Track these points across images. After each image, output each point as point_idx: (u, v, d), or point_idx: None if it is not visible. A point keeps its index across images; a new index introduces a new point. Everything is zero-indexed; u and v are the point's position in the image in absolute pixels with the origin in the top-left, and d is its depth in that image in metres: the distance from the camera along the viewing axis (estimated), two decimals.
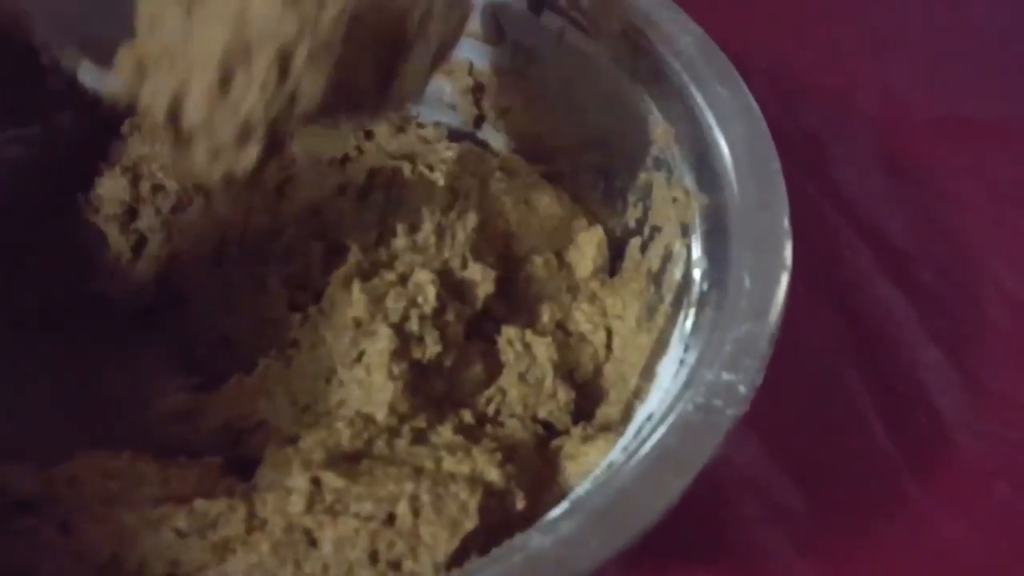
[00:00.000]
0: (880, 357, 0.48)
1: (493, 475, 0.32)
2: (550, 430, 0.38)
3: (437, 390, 0.36)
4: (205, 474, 0.31)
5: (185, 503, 0.30)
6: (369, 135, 0.46)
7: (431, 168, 0.42)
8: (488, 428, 0.37)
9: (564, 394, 0.38)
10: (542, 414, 0.38)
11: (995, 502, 0.44)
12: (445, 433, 0.34)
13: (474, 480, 0.31)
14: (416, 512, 0.30)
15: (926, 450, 0.45)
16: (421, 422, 0.34)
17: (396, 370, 0.35)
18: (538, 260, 0.41)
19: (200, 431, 0.34)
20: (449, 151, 0.44)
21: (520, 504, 0.31)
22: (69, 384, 0.38)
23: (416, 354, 0.36)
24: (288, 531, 0.30)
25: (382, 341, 0.35)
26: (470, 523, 0.30)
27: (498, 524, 0.31)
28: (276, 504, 0.30)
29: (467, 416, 0.36)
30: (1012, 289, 0.51)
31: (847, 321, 0.49)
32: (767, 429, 0.44)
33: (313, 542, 0.30)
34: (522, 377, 0.38)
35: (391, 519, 0.30)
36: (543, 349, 0.38)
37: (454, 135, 0.47)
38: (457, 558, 0.30)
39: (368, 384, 0.34)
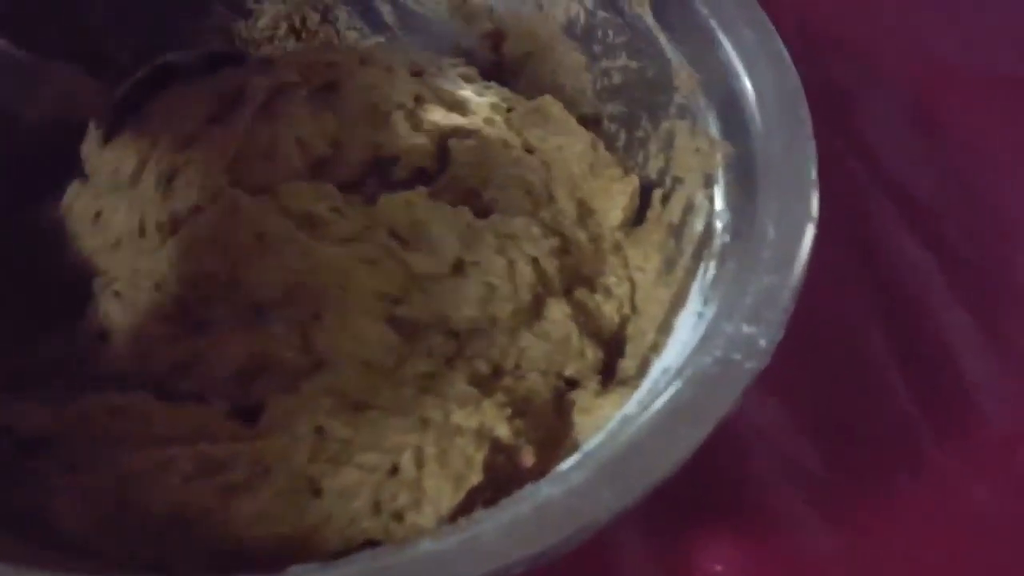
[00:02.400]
0: (905, 317, 0.47)
1: (502, 430, 0.31)
2: (572, 385, 0.37)
3: (431, 330, 0.35)
4: (211, 418, 0.31)
5: (191, 446, 0.29)
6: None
7: None
8: (506, 380, 0.36)
9: (592, 353, 0.37)
10: (568, 372, 0.37)
11: (1020, 465, 0.43)
12: (458, 383, 0.34)
13: (481, 434, 0.31)
14: (420, 464, 0.30)
15: (950, 412, 0.44)
16: (423, 366, 0.33)
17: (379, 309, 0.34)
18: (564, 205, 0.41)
19: (205, 375, 0.34)
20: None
21: (529, 461, 0.31)
22: None
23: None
24: (292, 478, 0.29)
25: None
26: (475, 477, 0.30)
27: (506, 479, 0.30)
28: (281, 451, 0.30)
29: (482, 366, 0.35)
30: None
31: (872, 279, 0.48)
32: (787, 387, 0.43)
33: (317, 491, 0.30)
34: (543, 335, 0.37)
35: (395, 470, 0.30)
36: (560, 308, 0.37)
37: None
38: (462, 511, 0.30)
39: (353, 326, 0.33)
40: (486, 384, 0.34)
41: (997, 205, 0.51)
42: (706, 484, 0.39)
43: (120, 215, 0.37)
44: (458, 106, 0.44)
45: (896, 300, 0.47)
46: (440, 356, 0.35)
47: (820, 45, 0.57)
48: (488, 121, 0.43)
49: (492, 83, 0.46)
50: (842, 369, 0.45)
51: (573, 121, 0.43)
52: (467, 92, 0.45)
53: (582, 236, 0.40)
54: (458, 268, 0.37)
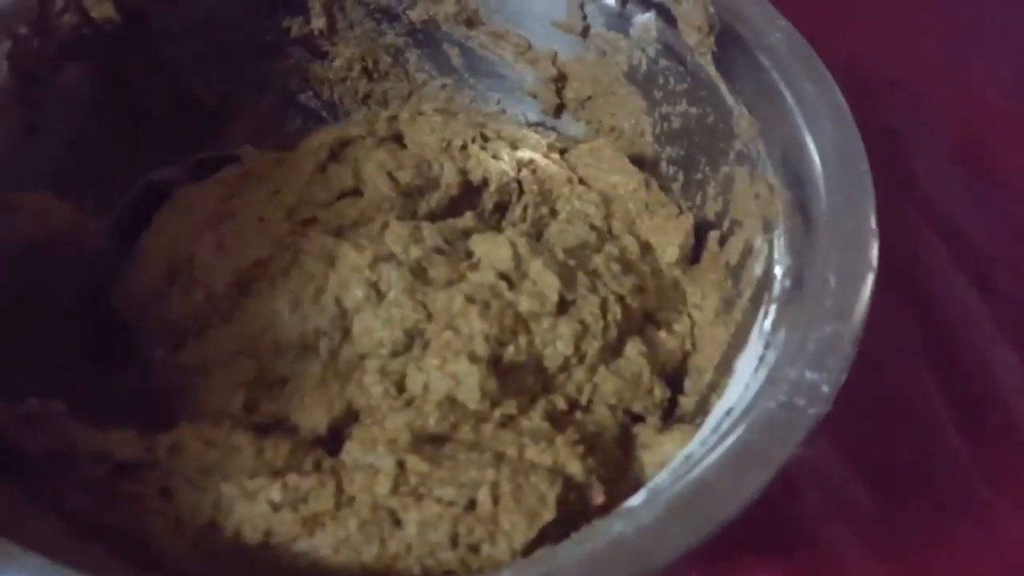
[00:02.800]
0: (954, 357, 0.48)
1: (574, 468, 0.32)
2: (636, 419, 0.38)
3: (524, 370, 0.36)
4: (296, 449, 0.32)
5: (279, 476, 0.31)
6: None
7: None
8: (577, 414, 0.37)
9: (659, 390, 0.38)
10: (637, 408, 0.38)
11: None
12: (535, 418, 0.35)
13: (555, 472, 0.32)
14: (496, 500, 0.31)
15: (999, 451, 0.45)
16: (511, 408, 0.35)
17: (481, 351, 0.35)
18: (625, 243, 0.42)
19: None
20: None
21: (599, 499, 0.32)
22: None
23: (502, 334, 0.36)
24: (374, 510, 0.31)
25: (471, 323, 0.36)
26: (548, 514, 0.31)
27: (575, 514, 0.31)
28: (363, 483, 0.31)
29: (560, 402, 0.36)
30: None
31: (922, 319, 0.49)
32: (839, 426, 0.43)
33: (398, 522, 0.31)
34: (617, 372, 0.38)
35: (472, 505, 0.31)
36: (634, 346, 0.39)
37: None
38: (534, 545, 0.31)
39: (454, 368, 0.35)
40: (559, 419, 0.36)
41: None
42: (760, 519, 0.40)
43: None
44: (519, 143, 0.46)
45: (945, 339, 0.48)
46: (528, 396, 0.36)
47: (868, 86, 0.58)
48: (547, 157, 0.45)
49: (544, 126, 0.48)
50: (892, 407, 0.46)
51: (625, 160, 0.45)
52: (525, 131, 0.47)
53: (647, 272, 0.41)
54: (562, 307, 0.38)
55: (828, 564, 0.42)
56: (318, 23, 0.47)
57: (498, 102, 0.50)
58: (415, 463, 0.32)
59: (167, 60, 0.45)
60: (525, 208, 0.43)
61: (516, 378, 0.36)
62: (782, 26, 0.39)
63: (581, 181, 0.44)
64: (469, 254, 0.39)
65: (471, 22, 0.47)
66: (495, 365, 0.35)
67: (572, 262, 0.39)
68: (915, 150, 0.56)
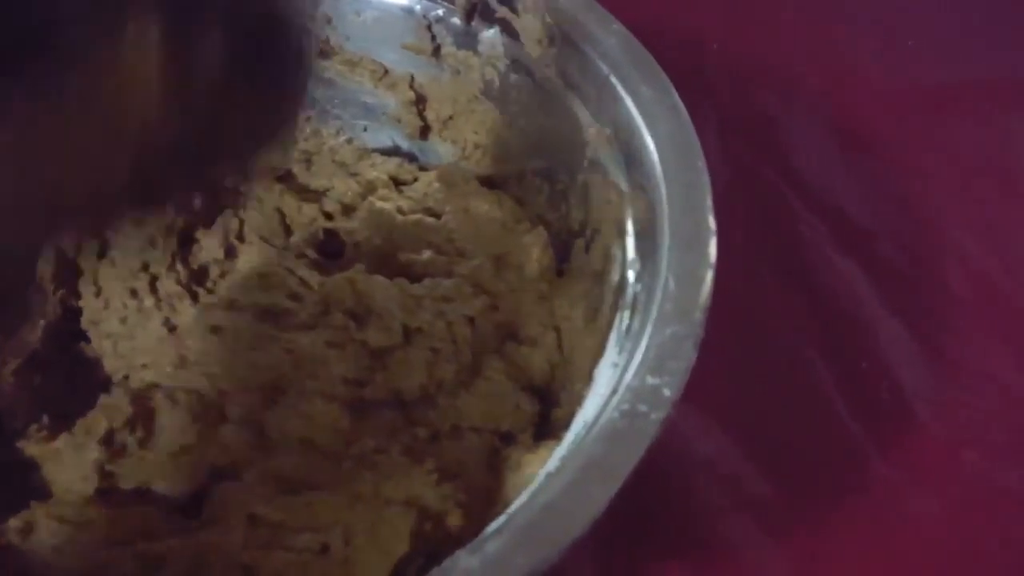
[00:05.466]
0: (841, 334, 0.48)
1: (429, 496, 0.32)
2: (509, 440, 0.38)
3: (383, 406, 0.36)
4: (151, 517, 0.32)
5: (131, 546, 0.31)
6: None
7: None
8: (443, 443, 0.37)
9: (527, 405, 0.38)
10: (505, 427, 0.38)
11: (964, 473, 0.44)
12: (393, 453, 0.35)
13: (409, 503, 0.32)
14: (348, 540, 0.31)
15: (891, 426, 0.45)
16: (368, 446, 0.34)
17: (343, 392, 0.35)
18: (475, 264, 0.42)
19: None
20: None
21: (455, 523, 0.32)
22: None
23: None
24: (227, 568, 0.30)
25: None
26: (402, 547, 0.31)
27: (436, 542, 0.31)
28: (217, 542, 0.31)
29: (421, 433, 0.36)
30: (975, 259, 0.51)
31: (808, 302, 0.49)
32: (731, 415, 0.44)
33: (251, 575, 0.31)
34: (479, 393, 0.38)
35: (325, 549, 0.31)
36: (493, 364, 0.39)
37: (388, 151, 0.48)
38: None
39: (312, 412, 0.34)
40: (420, 450, 0.35)
41: (926, 216, 0.53)
42: (657, 516, 0.41)
43: None
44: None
45: (832, 319, 0.49)
46: (387, 431, 0.36)
47: (742, 71, 0.58)
48: (379, 194, 0.45)
49: (407, 152, 0.48)
50: (783, 391, 0.46)
51: (475, 183, 0.45)
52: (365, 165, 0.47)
53: (503, 289, 0.41)
54: (407, 337, 0.38)
55: (729, 556, 0.41)
56: None
57: (365, 129, 0.49)
58: (268, 512, 0.31)
59: None
60: (356, 245, 0.43)
61: (374, 415, 0.35)
62: (616, 31, 0.39)
63: (427, 212, 0.44)
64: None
65: (324, 53, 0.47)
66: (354, 405, 0.35)
67: (418, 289, 0.38)
68: (791, 133, 0.56)
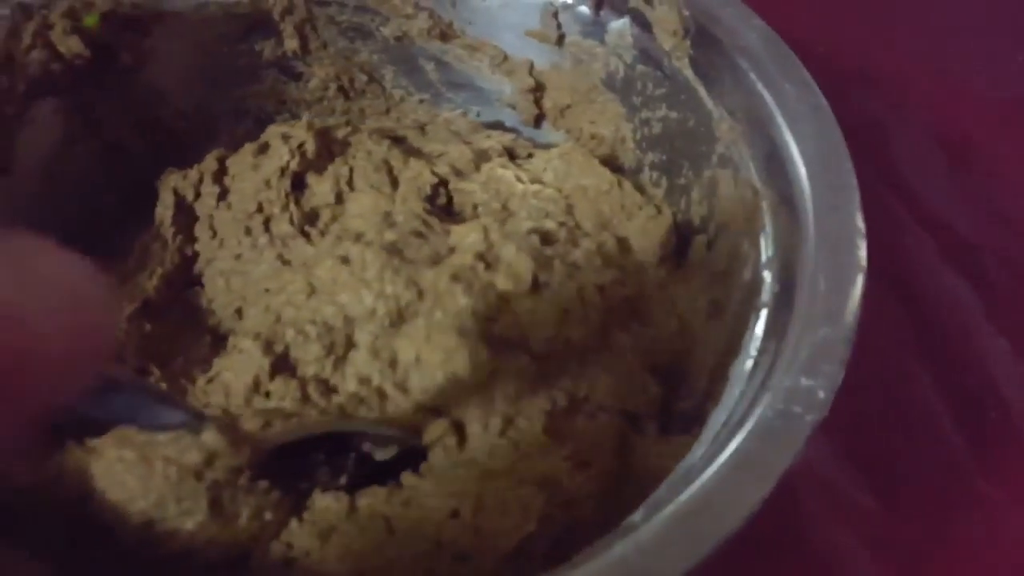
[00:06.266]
0: (947, 350, 0.47)
1: (563, 483, 0.32)
2: (636, 423, 0.38)
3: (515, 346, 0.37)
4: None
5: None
6: None
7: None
8: (579, 421, 0.37)
9: (653, 388, 0.38)
10: (632, 407, 0.38)
11: None
12: (535, 423, 0.35)
13: (543, 485, 0.32)
14: (477, 510, 0.32)
15: (996, 444, 0.45)
16: (514, 386, 0.35)
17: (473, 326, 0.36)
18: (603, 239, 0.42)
19: None
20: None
21: (586, 512, 0.32)
22: None
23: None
24: (372, 518, 0.32)
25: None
26: (530, 526, 0.31)
27: (565, 527, 0.32)
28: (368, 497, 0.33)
29: (561, 398, 0.36)
30: None
31: (913, 314, 0.49)
32: (836, 426, 0.43)
33: (392, 530, 0.32)
34: (608, 367, 0.38)
35: (455, 514, 0.32)
36: (622, 338, 0.39)
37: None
38: (518, 555, 0.31)
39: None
40: (559, 422, 0.36)
41: None
42: (760, 524, 0.40)
43: None
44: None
45: (937, 332, 0.48)
46: (523, 376, 0.36)
47: (848, 78, 0.58)
48: (497, 162, 0.46)
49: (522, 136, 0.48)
50: (888, 404, 0.45)
51: (595, 162, 0.45)
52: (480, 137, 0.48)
53: (628, 267, 0.41)
54: (535, 287, 0.38)
55: (829, 567, 0.41)
56: (291, 44, 0.47)
57: (478, 115, 0.49)
58: (407, 478, 0.33)
59: (139, 92, 0.44)
60: (475, 207, 0.44)
61: (509, 356, 0.36)
62: (757, 26, 0.39)
63: (544, 183, 0.44)
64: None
65: (445, 36, 0.47)
66: (488, 340, 0.35)
67: (548, 251, 0.39)
68: (898, 141, 0.56)
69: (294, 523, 0.32)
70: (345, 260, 0.38)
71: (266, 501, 0.31)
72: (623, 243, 0.42)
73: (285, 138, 0.44)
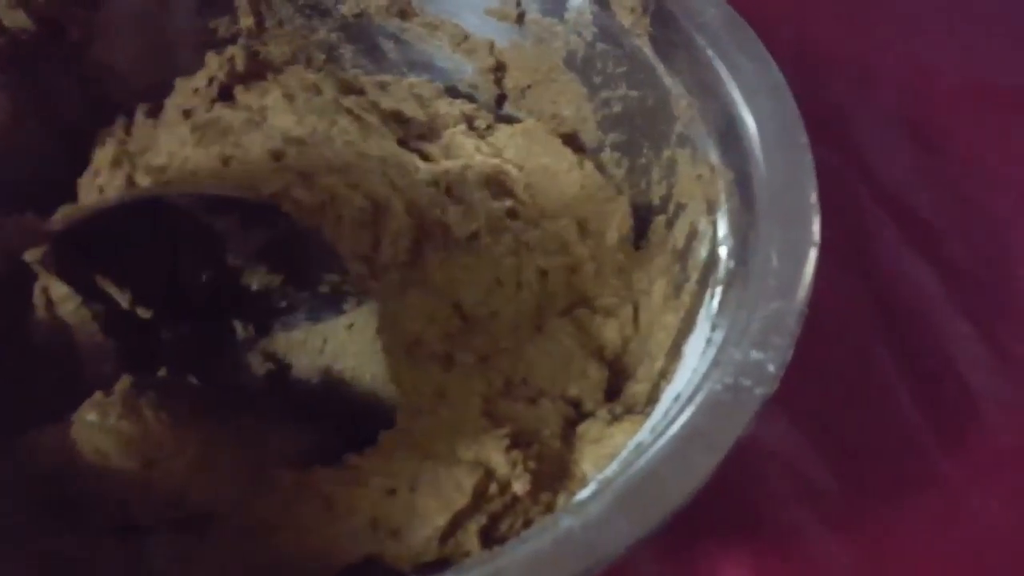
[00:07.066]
0: (908, 332, 0.47)
1: (497, 460, 0.33)
2: (580, 409, 0.38)
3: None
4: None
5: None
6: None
7: None
8: (519, 404, 0.37)
9: (596, 373, 0.38)
10: (573, 392, 0.38)
11: None
12: (473, 407, 0.35)
13: (477, 463, 0.33)
14: (413, 488, 0.33)
15: (956, 424, 0.45)
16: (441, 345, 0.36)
17: None
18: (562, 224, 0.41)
19: None
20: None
21: (522, 488, 0.32)
22: None
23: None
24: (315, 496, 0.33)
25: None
26: (463, 500, 0.32)
27: (503, 507, 0.32)
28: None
29: (496, 379, 0.37)
30: None
31: (874, 296, 0.49)
32: (796, 406, 0.44)
33: (330, 506, 0.33)
34: (546, 352, 0.38)
35: (392, 492, 0.33)
36: (566, 326, 0.38)
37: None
38: (451, 532, 0.32)
39: None
40: (498, 413, 0.36)
41: (995, 216, 0.52)
42: (721, 505, 0.40)
43: None
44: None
45: (899, 315, 0.48)
46: (451, 338, 0.37)
47: (816, 62, 0.58)
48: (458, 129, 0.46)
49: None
50: (848, 385, 0.45)
51: (558, 142, 0.44)
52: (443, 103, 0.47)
53: (585, 255, 0.41)
54: (474, 237, 0.39)
55: (790, 546, 0.41)
56: (246, 22, 0.46)
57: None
58: (350, 457, 0.34)
59: (88, 68, 0.43)
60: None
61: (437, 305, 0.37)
62: (717, 2, 0.38)
63: (499, 157, 0.44)
64: None
65: (404, 13, 0.46)
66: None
67: (507, 222, 0.39)
68: (862, 124, 0.55)
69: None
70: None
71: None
72: (582, 226, 0.42)
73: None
